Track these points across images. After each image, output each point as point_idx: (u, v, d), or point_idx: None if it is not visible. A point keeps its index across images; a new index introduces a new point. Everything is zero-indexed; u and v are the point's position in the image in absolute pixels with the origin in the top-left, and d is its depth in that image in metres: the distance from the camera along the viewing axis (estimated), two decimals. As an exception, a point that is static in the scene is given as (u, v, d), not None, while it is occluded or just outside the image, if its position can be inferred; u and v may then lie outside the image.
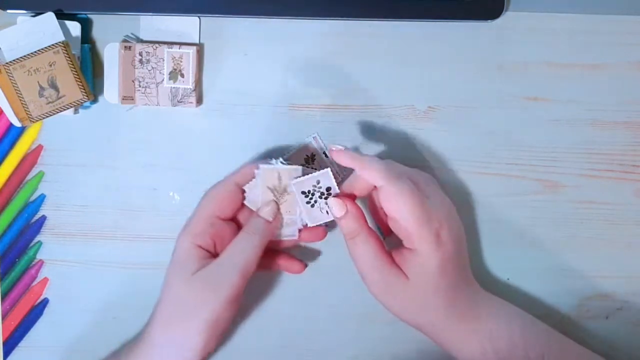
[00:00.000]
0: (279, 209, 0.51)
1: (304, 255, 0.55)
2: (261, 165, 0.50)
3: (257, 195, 0.51)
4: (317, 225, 0.51)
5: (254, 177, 0.51)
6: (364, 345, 0.56)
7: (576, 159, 0.56)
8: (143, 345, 0.49)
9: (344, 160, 0.49)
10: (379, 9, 0.54)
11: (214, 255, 0.50)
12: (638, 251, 0.56)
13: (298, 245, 0.55)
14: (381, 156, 0.52)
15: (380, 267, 0.49)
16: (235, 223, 0.52)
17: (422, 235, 0.47)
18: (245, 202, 0.51)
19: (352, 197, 0.50)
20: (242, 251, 0.49)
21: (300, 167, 0.50)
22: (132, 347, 0.50)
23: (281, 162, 0.50)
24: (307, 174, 0.50)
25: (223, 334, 0.50)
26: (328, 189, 0.50)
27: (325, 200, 0.50)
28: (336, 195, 0.49)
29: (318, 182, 0.50)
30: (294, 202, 0.51)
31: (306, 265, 0.53)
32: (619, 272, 0.56)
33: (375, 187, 0.49)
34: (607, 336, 0.56)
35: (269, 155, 0.55)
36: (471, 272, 0.52)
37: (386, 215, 0.49)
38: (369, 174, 0.48)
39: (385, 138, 0.56)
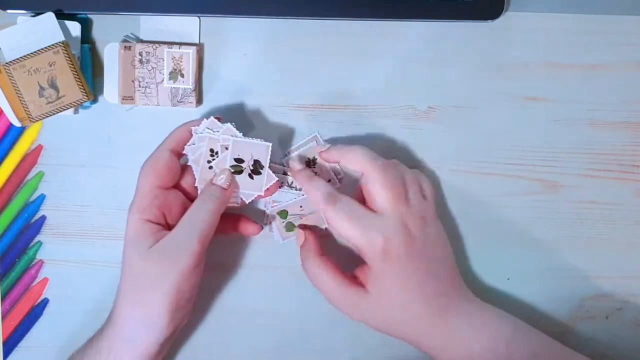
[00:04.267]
0: (233, 176, 0.50)
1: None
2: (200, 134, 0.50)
3: (200, 156, 0.50)
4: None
5: (191, 139, 0.51)
6: (363, 346, 0.55)
7: (576, 159, 0.56)
8: (111, 325, 0.49)
9: (328, 157, 0.52)
10: (379, 9, 0.54)
11: (165, 226, 0.50)
12: (638, 251, 0.56)
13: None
14: (385, 157, 0.52)
15: (337, 287, 0.49)
16: (179, 191, 0.51)
17: (366, 252, 0.48)
18: (190, 163, 0.51)
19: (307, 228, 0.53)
20: (198, 219, 0.48)
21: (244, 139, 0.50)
22: (102, 330, 0.50)
23: (213, 119, 0.50)
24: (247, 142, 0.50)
25: (189, 304, 0.50)
26: (256, 162, 0.50)
27: (252, 174, 0.50)
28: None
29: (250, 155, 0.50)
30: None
31: (262, 227, 0.53)
32: (619, 272, 0.56)
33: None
34: (607, 336, 0.56)
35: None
36: (457, 281, 0.51)
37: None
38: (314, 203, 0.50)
39: (385, 138, 0.56)
